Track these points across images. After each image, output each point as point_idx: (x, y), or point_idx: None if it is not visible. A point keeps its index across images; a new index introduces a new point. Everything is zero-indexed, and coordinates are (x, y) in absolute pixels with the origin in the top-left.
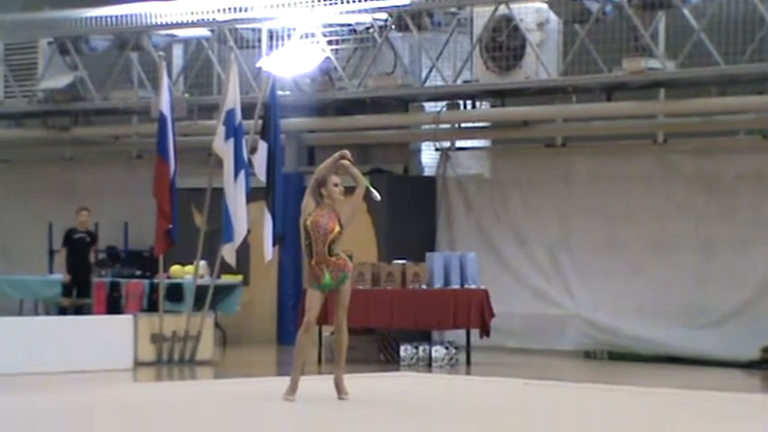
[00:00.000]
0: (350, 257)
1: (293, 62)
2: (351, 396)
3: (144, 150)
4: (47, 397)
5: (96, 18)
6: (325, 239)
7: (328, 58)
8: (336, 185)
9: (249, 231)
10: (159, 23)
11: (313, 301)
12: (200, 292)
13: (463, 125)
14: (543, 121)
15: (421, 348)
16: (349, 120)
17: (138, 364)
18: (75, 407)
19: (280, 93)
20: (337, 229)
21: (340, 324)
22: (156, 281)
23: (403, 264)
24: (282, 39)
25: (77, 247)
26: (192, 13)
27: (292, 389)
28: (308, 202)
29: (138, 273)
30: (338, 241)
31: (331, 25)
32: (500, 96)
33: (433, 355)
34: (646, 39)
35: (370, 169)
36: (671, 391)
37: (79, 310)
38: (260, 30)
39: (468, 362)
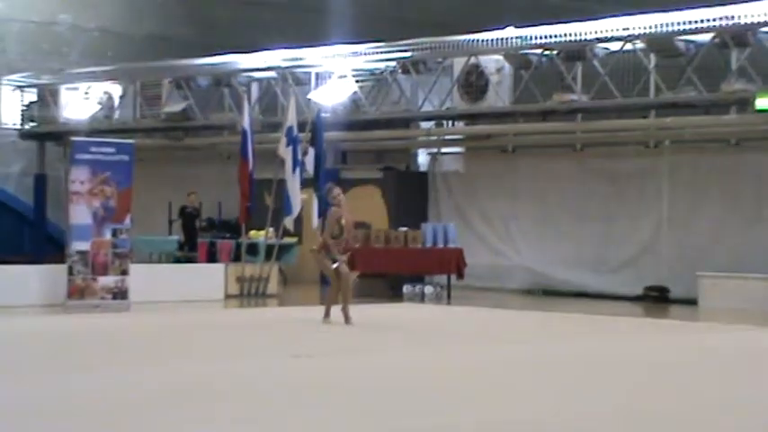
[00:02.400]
0: (369, 226)
1: (332, 94)
2: (354, 323)
3: (232, 153)
4: (166, 316)
5: (201, 65)
6: (348, 234)
7: (356, 91)
8: (338, 195)
9: (302, 208)
10: (243, 68)
11: (329, 264)
12: (269, 248)
13: (446, 137)
14: (500, 135)
15: (417, 287)
16: (369, 133)
17: (227, 296)
18: (182, 325)
19: (323, 114)
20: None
21: (346, 277)
22: (240, 241)
23: (405, 230)
24: (325, 78)
25: (188, 218)
26: (264, 61)
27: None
28: (331, 221)
29: (228, 235)
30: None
31: (357, 69)
32: (471, 118)
33: (426, 291)
34: (568, 80)
35: (383, 167)
36: (583, 316)
37: (189, 260)
38: (310, 72)
39: (449, 296)
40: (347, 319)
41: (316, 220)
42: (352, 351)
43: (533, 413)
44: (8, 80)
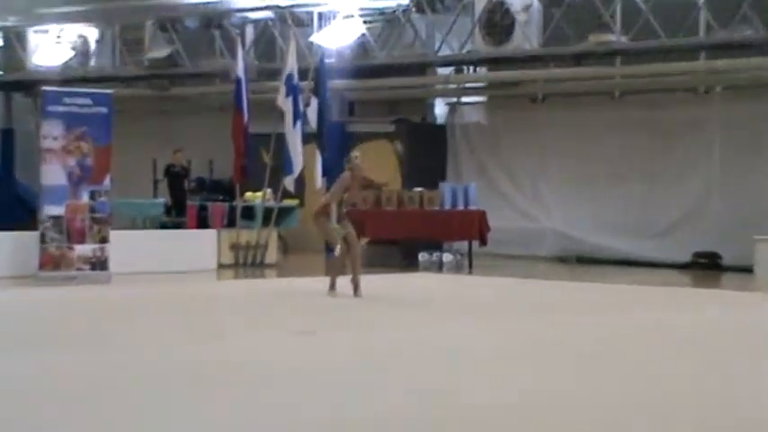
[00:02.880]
0: (380, 186)
1: (337, 36)
2: (363, 295)
3: (224, 105)
4: (151, 289)
5: (189, 4)
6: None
7: (364, 33)
8: (354, 159)
9: (304, 166)
10: (236, 8)
11: (331, 228)
12: (267, 212)
13: (467, 85)
14: (528, 82)
15: (434, 255)
16: (380, 81)
17: (220, 266)
18: (171, 297)
19: (327, 60)
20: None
21: (354, 243)
22: (234, 204)
23: (421, 191)
24: (329, 19)
25: (175, 179)
26: (260, 0)
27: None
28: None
29: (221, 198)
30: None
31: (366, 8)
32: (495, 63)
33: (444, 260)
34: (606, 18)
35: (396, 119)
36: (624, 287)
37: (177, 226)
38: (312, 12)
39: (470, 265)
40: (356, 291)
41: (319, 180)
42: (360, 327)
43: (576, 397)
44: None
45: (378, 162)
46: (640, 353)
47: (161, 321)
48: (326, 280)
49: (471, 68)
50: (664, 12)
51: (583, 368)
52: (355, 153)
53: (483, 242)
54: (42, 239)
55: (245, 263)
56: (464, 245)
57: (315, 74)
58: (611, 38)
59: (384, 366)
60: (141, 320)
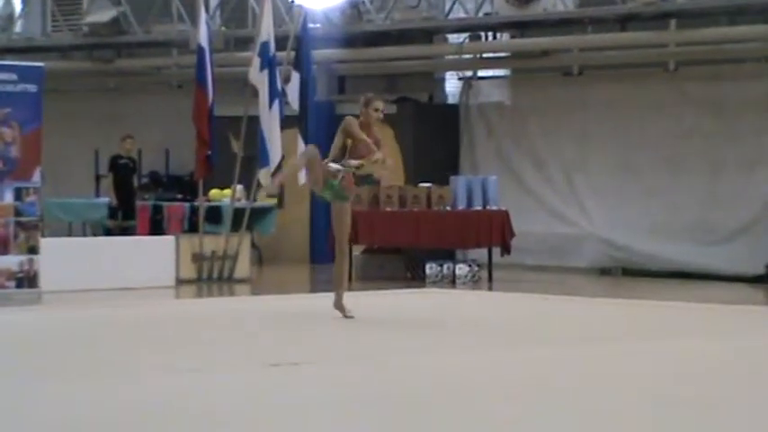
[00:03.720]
0: (378, 181)
1: None
2: (354, 315)
3: (184, 81)
4: (92, 312)
5: None
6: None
7: None
8: (377, 110)
9: (283, 157)
10: None
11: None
12: (238, 214)
13: (484, 55)
14: (560, 51)
15: (445, 266)
16: (377, 51)
17: (179, 281)
18: (119, 321)
19: (311, 25)
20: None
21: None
22: (196, 204)
23: (428, 187)
24: None
25: (122, 173)
26: None
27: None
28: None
29: (179, 196)
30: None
31: None
32: (520, 28)
33: (457, 272)
34: None
35: (396, 98)
36: (682, 305)
37: (124, 232)
38: None
39: (490, 278)
40: (343, 311)
41: (303, 174)
42: (353, 356)
43: None
44: None
45: None
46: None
47: (103, 351)
48: (310, 297)
49: (490, 35)
50: None
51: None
52: (378, 104)
53: (506, 250)
54: None
55: (211, 277)
56: (482, 254)
57: (296, 42)
58: None
59: (385, 406)
60: (78, 350)
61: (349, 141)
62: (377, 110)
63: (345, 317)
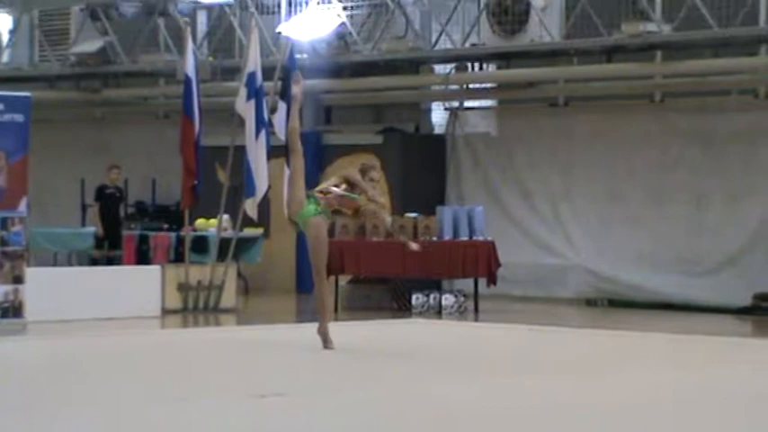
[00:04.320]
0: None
1: (311, 27)
2: (336, 347)
3: (171, 111)
4: (78, 342)
5: None
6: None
7: (344, 23)
8: (372, 180)
9: (270, 187)
10: None
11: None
12: (224, 244)
13: (471, 86)
14: (547, 82)
15: (432, 297)
16: (363, 81)
17: (165, 311)
18: (103, 351)
19: (298, 56)
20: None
21: (317, 236)
22: (182, 233)
23: (415, 217)
24: (300, 5)
25: (108, 203)
26: None
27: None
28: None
29: (166, 226)
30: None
31: None
32: (506, 58)
33: (443, 303)
34: (643, 3)
35: (383, 128)
36: (669, 336)
37: (110, 261)
38: None
39: (476, 309)
40: (325, 341)
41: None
42: (339, 386)
43: None
44: None
45: None
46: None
47: (89, 382)
48: (296, 328)
49: (477, 66)
50: None
51: None
52: (375, 174)
53: (492, 281)
54: None
55: (197, 307)
56: (468, 284)
57: (283, 73)
58: (651, 27)
59: None
60: (64, 382)
61: (344, 186)
62: (372, 180)
63: (325, 347)
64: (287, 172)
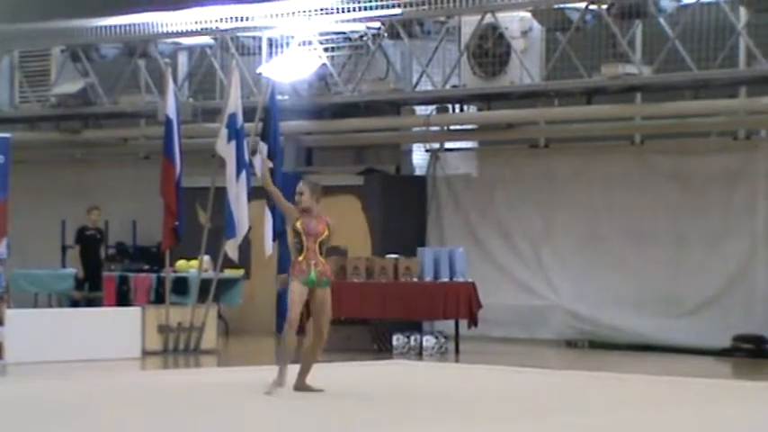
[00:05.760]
0: (345, 252)
1: (291, 68)
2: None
3: (151, 152)
4: (59, 384)
5: (106, 27)
6: (315, 239)
7: (324, 64)
8: (301, 194)
9: (250, 228)
10: (165, 32)
11: (296, 295)
12: (204, 285)
13: (452, 127)
14: (527, 124)
15: (412, 338)
16: (344, 122)
17: (145, 353)
18: (84, 393)
19: (279, 97)
20: (326, 232)
21: (322, 330)
22: (162, 275)
23: (395, 258)
24: (281, 46)
25: (89, 244)
26: (196, 23)
27: (281, 379)
28: (291, 212)
29: (146, 267)
30: (326, 243)
31: (327, 33)
32: (486, 100)
33: (424, 344)
34: (623, 46)
35: (364, 169)
36: (649, 378)
37: (90, 303)
38: (260, 38)
39: (457, 350)
40: (302, 383)
41: (269, 245)
42: (321, 430)
43: None
44: None
45: (342, 222)
46: None
47: (68, 426)
48: (277, 370)
49: (458, 107)
50: (694, 37)
51: None
52: (301, 186)
53: (473, 322)
54: None
55: (177, 348)
56: (449, 325)
57: (264, 114)
58: (630, 70)
59: None
60: (43, 425)
61: (299, 223)
62: (299, 192)
63: (296, 389)
64: (267, 215)
